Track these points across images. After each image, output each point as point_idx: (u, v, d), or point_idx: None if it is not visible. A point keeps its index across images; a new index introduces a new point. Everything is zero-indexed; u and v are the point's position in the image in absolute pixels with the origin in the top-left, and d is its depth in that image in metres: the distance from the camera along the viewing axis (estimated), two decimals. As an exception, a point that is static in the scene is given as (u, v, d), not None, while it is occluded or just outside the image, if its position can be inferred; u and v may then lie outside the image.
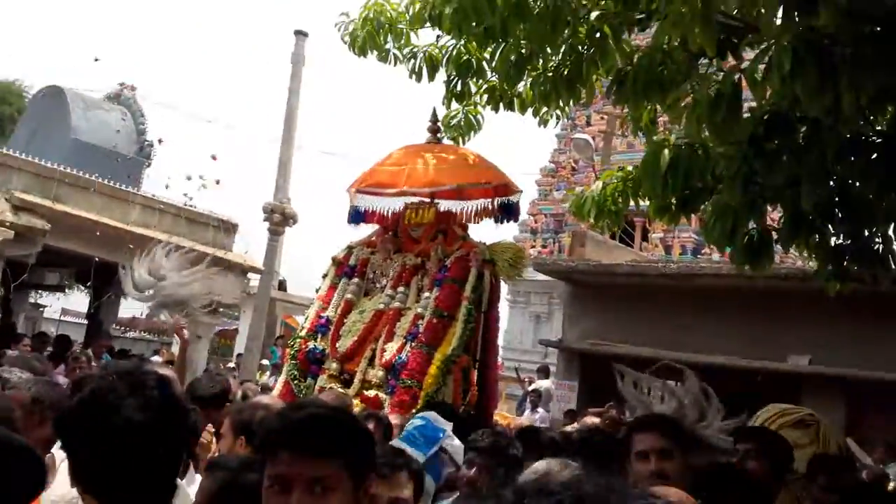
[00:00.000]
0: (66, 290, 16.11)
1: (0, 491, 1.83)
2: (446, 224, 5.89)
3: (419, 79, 5.06)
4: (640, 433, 2.78)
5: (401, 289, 5.72)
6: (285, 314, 16.76)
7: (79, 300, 17.68)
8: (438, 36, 4.98)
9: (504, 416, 10.70)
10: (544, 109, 5.18)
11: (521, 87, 5.00)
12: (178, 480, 1.85)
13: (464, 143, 5.48)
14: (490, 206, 5.90)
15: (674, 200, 4.21)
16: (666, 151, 3.82)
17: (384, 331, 5.48)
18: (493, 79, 5.04)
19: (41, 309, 20.08)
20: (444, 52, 4.98)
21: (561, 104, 4.47)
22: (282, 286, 17.83)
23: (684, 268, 10.18)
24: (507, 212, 5.97)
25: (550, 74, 4.25)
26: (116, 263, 11.17)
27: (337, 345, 5.55)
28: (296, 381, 5.48)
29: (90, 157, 11.66)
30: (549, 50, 4.30)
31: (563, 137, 23.16)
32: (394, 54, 5.16)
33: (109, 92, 13.67)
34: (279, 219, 13.04)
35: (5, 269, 9.99)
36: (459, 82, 5.10)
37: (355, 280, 5.98)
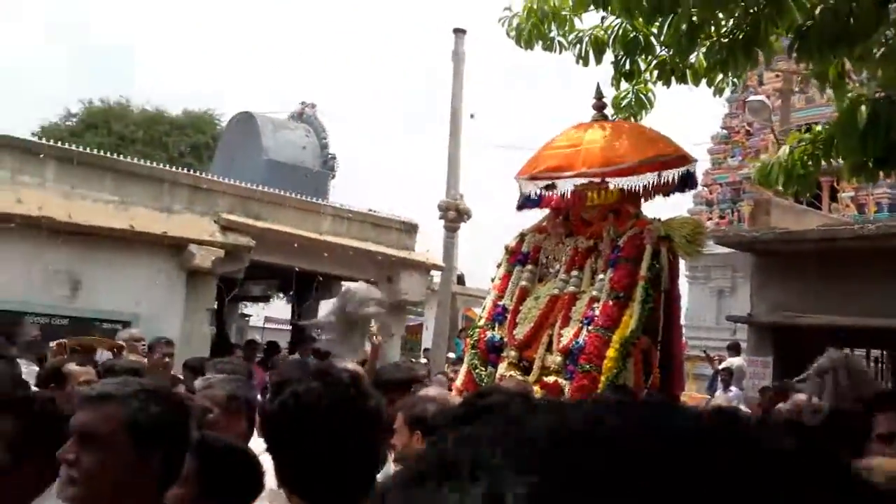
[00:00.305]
0: (270, 300, 17.50)
1: (227, 494, 2.07)
2: (618, 203, 5.67)
3: (586, 63, 5.10)
4: (885, 413, 2.64)
5: (574, 272, 5.58)
6: (466, 307, 17.23)
7: (279, 308, 19.05)
8: (603, 17, 5.00)
9: (693, 396, 10.44)
10: (719, 77, 5.06)
11: (692, 58, 4.92)
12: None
13: (636, 122, 5.45)
14: (671, 180, 5.64)
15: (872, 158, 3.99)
16: (863, 108, 3.63)
17: (560, 316, 5.38)
18: (663, 53, 4.99)
19: (247, 318, 21.82)
20: (609, 32, 4.99)
21: (738, 70, 4.36)
22: (460, 280, 18.37)
23: (884, 227, 9.42)
24: (686, 183, 5.74)
25: (725, 40, 4.17)
26: (314, 272, 12.12)
27: (514, 332, 5.51)
28: (477, 370, 5.50)
29: (282, 175, 12.62)
30: (721, 16, 4.21)
31: (735, 101, 21.91)
32: (558, 42, 5.24)
33: (293, 112, 14.73)
34: (454, 216, 13.46)
35: (219, 284, 11.04)
36: (628, 61, 5.09)
37: (529, 267, 5.88)
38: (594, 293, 5.28)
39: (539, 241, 5.94)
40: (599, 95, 5.79)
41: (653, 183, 5.58)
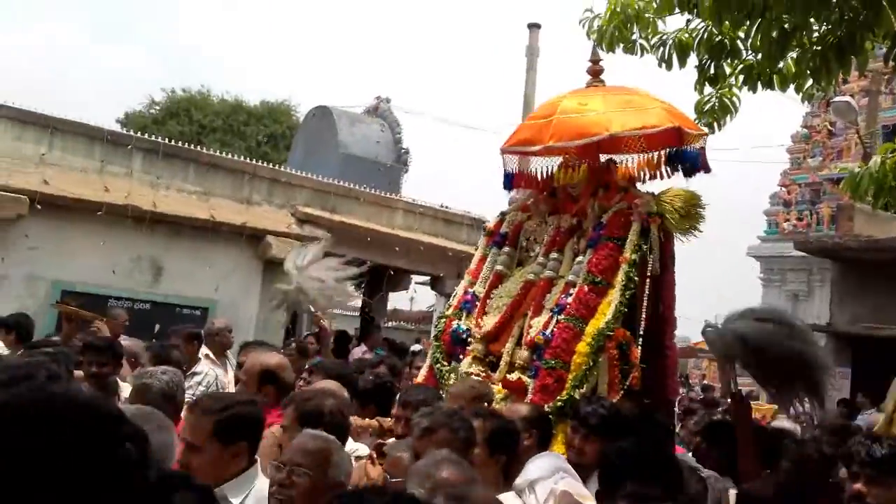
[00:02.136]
0: (343, 290, 17.78)
1: None
2: (608, 177, 4.97)
3: (669, 66, 5.03)
4: None
5: (553, 255, 4.87)
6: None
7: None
8: (688, 20, 4.92)
9: (760, 406, 10.08)
10: (808, 83, 4.92)
11: (780, 63, 4.80)
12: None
13: (719, 128, 5.31)
14: (655, 157, 4.96)
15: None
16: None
17: (533, 304, 4.67)
18: (750, 58, 4.88)
19: (316, 306, 22.24)
20: (694, 35, 4.90)
21: (830, 76, 4.23)
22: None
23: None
24: (685, 162, 4.93)
25: (818, 47, 4.05)
26: (386, 265, 12.28)
27: (481, 323, 4.81)
28: (438, 365, 4.82)
29: (356, 169, 12.81)
30: (813, 21, 4.10)
31: (818, 100, 21.15)
32: (640, 45, 5.17)
33: (368, 106, 14.93)
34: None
35: (295, 275, 11.30)
36: (713, 65, 5.00)
37: (506, 249, 5.16)
38: (570, 277, 4.62)
39: (520, 220, 5.23)
40: (595, 58, 5.20)
41: (635, 161, 5.02)
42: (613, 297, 4.37)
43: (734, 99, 5.24)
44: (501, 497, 2.79)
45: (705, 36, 4.92)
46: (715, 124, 5.33)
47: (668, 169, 5.01)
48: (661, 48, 5.16)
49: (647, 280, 4.45)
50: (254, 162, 12.11)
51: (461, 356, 4.73)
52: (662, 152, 4.94)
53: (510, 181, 5.28)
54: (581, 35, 5.29)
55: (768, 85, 4.92)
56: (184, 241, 10.19)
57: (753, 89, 4.99)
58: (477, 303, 4.94)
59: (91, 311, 6.56)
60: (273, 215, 11.01)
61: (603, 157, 5.09)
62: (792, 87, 4.94)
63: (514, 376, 4.40)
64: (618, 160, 5.10)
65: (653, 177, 5.11)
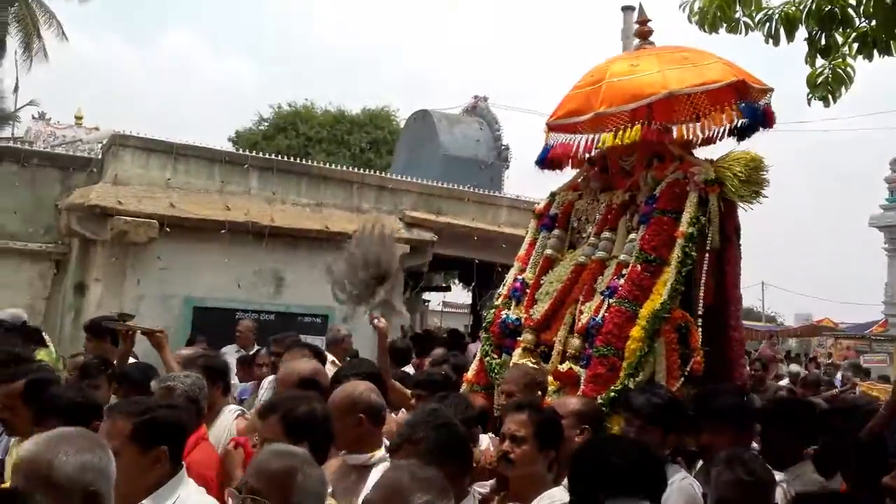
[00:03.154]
0: (451, 289, 18.08)
1: None
2: (662, 146, 4.49)
3: (777, 42, 4.85)
4: None
5: (606, 234, 4.48)
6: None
7: (456, 293, 19.62)
8: (795, -8, 4.74)
9: (872, 386, 9.44)
10: (928, 48, 4.66)
11: (896, 28, 4.56)
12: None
13: (835, 100, 5.08)
14: (722, 114, 4.46)
15: None
16: None
17: (585, 289, 4.31)
18: (863, 25, 4.67)
19: (426, 303, 22.69)
20: (802, 7, 4.73)
21: (954, 39, 3.99)
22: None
23: None
24: (752, 119, 4.46)
25: (939, 9, 3.84)
26: (494, 263, 12.37)
27: (531, 311, 4.47)
28: (488, 358, 4.53)
29: (458, 169, 12.99)
30: (933, -17, 3.89)
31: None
32: (744, 23, 5.03)
33: (466, 106, 15.08)
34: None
35: (405, 277, 11.57)
36: (823, 36, 4.80)
37: (556, 232, 4.80)
38: (623, 257, 4.24)
39: (571, 200, 4.86)
40: (643, 18, 4.83)
41: (694, 121, 4.50)
42: (669, 275, 3.99)
43: (848, 69, 5.01)
44: (553, 491, 2.73)
45: (814, 6, 4.73)
46: (830, 97, 5.12)
47: (724, 128, 4.56)
48: (767, 24, 4.99)
49: (706, 255, 4.04)
50: (361, 171, 12.47)
51: (512, 348, 4.44)
52: (733, 106, 4.42)
53: (545, 158, 4.86)
54: (677, 15, 5.19)
55: (885, 51, 4.69)
56: (301, 252, 10.62)
57: (870, 57, 4.76)
58: (527, 290, 4.62)
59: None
60: (382, 221, 11.30)
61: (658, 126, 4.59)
62: (911, 52, 4.69)
63: (565, 366, 4.08)
64: (674, 127, 4.60)
65: (707, 141, 4.62)
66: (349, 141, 25.78)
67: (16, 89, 25.63)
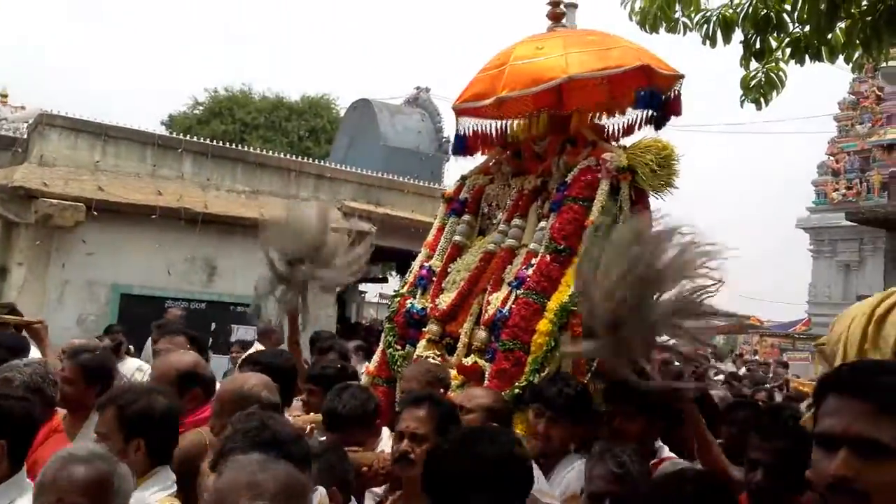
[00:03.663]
0: (388, 281, 18.02)
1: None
2: (575, 130, 4.33)
3: (713, 43, 4.95)
4: None
5: (516, 221, 4.26)
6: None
7: (393, 284, 19.58)
8: (732, -5, 4.83)
9: (802, 383, 9.78)
10: (857, 54, 4.81)
11: (829, 34, 4.70)
12: None
13: (766, 103, 5.20)
14: (623, 101, 4.30)
15: None
16: None
17: (493, 278, 4.10)
18: (797, 30, 4.79)
19: (363, 294, 22.56)
20: (739, 10, 4.83)
21: (882, 46, 4.13)
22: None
23: None
24: (650, 107, 4.30)
25: (868, 17, 3.96)
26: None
27: (437, 301, 4.21)
28: (391, 349, 4.26)
29: (398, 160, 12.94)
30: (864, -9, 4.01)
31: (863, 66, 20.50)
32: (683, 23, 5.11)
33: (408, 96, 15.01)
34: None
35: (342, 268, 11.47)
36: (758, 39, 4.91)
37: (466, 217, 4.55)
38: (532, 246, 4.05)
39: (482, 184, 4.64)
40: (554, 0, 4.66)
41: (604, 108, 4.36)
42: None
43: (781, 73, 5.15)
44: None
45: (750, 10, 4.84)
46: (762, 100, 5.25)
47: (640, 115, 4.36)
48: (705, 25, 5.08)
49: None
50: (299, 159, 12.28)
51: (416, 339, 4.18)
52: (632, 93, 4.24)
53: (463, 145, 4.68)
54: (619, 15, 5.23)
55: (816, 57, 4.82)
56: (235, 240, 10.40)
57: (801, 62, 4.89)
58: (434, 279, 4.36)
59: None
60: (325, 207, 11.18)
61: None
62: (841, 57, 4.84)
63: (469, 360, 3.87)
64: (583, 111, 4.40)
65: (627, 132, 4.44)
66: (287, 128, 25.37)
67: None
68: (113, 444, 2.47)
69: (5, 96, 18.87)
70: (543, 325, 3.66)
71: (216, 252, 10.40)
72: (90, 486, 1.94)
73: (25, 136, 11.05)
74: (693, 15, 5.04)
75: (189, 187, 10.44)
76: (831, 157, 24.27)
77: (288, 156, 12.22)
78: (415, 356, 4.07)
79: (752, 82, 5.26)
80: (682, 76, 4.23)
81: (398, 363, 4.15)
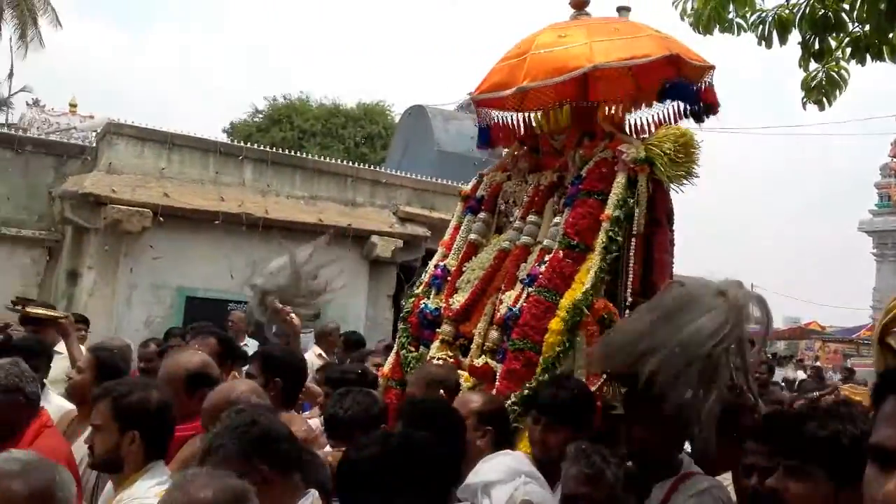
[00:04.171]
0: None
1: None
2: (594, 123, 4.11)
3: (769, 44, 4.91)
4: None
5: (531, 218, 4.08)
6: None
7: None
8: (788, -5, 4.80)
9: (855, 389, 9.43)
10: (922, 52, 4.73)
11: (889, 33, 4.63)
12: None
13: (829, 104, 5.12)
14: (649, 91, 4.10)
15: None
16: None
17: (507, 276, 3.93)
18: (857, 30, 4.73)
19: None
20: (795, 10, 4.78)
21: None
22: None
23: None
24: (686, 98, 4.08)
25: (931, 14, 3.90)
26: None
27: (450, 301, 4.05)
28: (404, 351, 4.12)
29: (452, 165, 13.01)
30: (925, -12, 3.95)
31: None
32: (738, 24, 5.07)
33: (461, 102, 15.11)
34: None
35: (398, 272, 11.63)
36: (817, 40, 4.86)
37: (482, 215, 4.38)
38: (546, 242, 3.87)
39: (499, 181, 4.45)
40: None
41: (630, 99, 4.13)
42: (593, 262, 3.61)
43: (843, 72, 5.07)
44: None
45: (807, 10, 4.78)
46: (824, 100, 5.18)
47: (670, 110, 4.16)
48: (761, 26, 5.04)
49: (633, 241, 3.66)
50: (355, 165, 12.50)
51: (431, 340, 4.03)
52: (663, 84, 4.01)
53: (487, 137, 4.52)
54: (673, 16, 5.21)
55: (878, 56, 4.75)
56: (294, 244, 10.61)
57: (862, 62, 4.82)
58: (448, 278, 4.21)
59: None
60: (376, 216, 11.36)
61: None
62: (905, 56, 4.76)
63: (480, 361, 3.71)
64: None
65: (659, 127, 4.15)
66: (343, 135, 25.76)
67: (10, 75, 25.55)
68: (108, 436, 2.50)
69: (74, 106, 19.62)
70: (556, 323, 3.49)
71: (276, 256, 10.64)
72: (32, 501, 1.78)
73: (94, 145, 11.50)
74: (748, 15, 5.00)
75: (250, 193, 10.72)
76: (894, 159, 23.55)
77: (344, 162, 12.45)
78: (428, 357, 3.92)
79: (813, 83, 5.19)
80: (712, 67, 4.04)
81: (411, 365, 4.01)
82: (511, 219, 4.28)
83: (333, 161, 12.20)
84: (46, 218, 11.19)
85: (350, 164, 12.39)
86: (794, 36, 4.90)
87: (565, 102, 3.97)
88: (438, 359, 3.80)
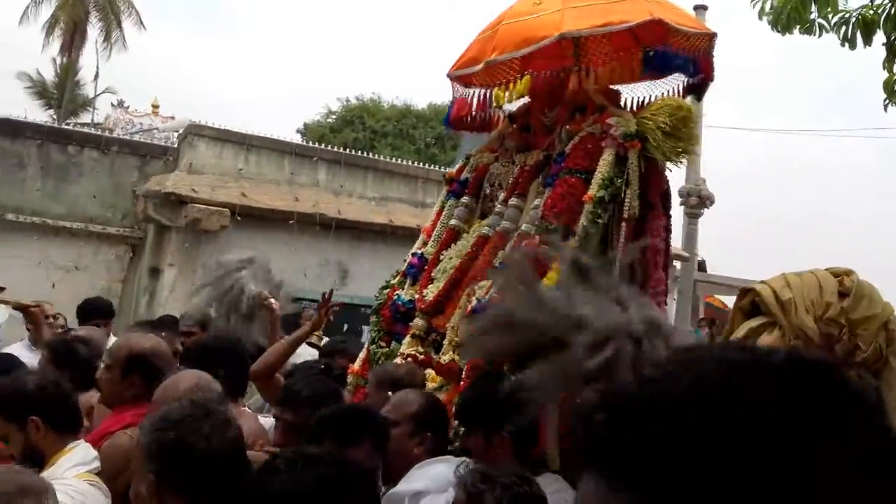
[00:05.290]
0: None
1: None
2: (586, 96, 3.69)
3: (853, 45, 4.80)
4: None
5: (513, 201, 3.69)
6: (705, 295, 16.62)
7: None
8: (873, -5, 4.68)
9: None
10: None
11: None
12: None
13: None
14: (629, 61, 3.65)
15: None
16: None
17: (484, 265, 3.54)
18: (945, 30, 4.58)
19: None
20: (881, 11, 4.66)
21: None
22: (701, 267, 17.72)
23: None
24: (663, 70, 3.67)
25: None
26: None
27: (424, 292, 3.72)
28: (374, 346, 3.83)
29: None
30: None
31: None
32: (819, 24, 4.96)
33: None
34: (696, 202, 13.04)
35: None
36: (903, 41, 4.73)
37: (465, 199, 4.02)
38: (525, 227, 3.47)
39: (486, 162, 4.08)
40: None
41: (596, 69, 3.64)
42: (571, 248, 3.18)
43: (928, 74, 4.91)
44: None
45: (892, 11, 4.66)
46: (907, 103, 5.03)
47: (675, 85, 3.75)
48: (844, 27, 4.93)
49: (623, 226, 3.29)
50: (426, 166, 12.63)
51: (403, 335, 3.71)
52: (639, 55, 3.60)
53: (451, 117, 4.19)
54: (751, 15, 5.13)
55: (965, 57, 4.59)
56: (366, 244, 10.85)
57: (949, 63, 4.67)
58: (425, 267, 3.88)
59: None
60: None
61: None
62: None
63: (447, 358, 3.34)
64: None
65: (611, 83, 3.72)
66: (414, 135, 26.00)
67: (96, 77, 26.67)
68: (10, 434, 2.41)
69: (157, 107, 20.38)
70: None
71: (348, 256, 10.87)
72: None
73: (176, 145, 11.94)
74: (830, 16, 4.90)
75: (323, 194, 10.97)
76: None
77: (415, 163, 12.59)
78: (399, 353, 3.61)
79: (897, 85, 5.05)
80: (712, 34, 3.68)
81: (380, 361, 3.71)
82: (496, 203, 3.88)
83: (404, 162, 12.35)
84: (130, 216, 11.67)
85: (420, 165, 12.51)
86: (879, 37, 4.78)
87: (527, 73, 3.58)
88: (407, 356, 3.51)
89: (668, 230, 3.58)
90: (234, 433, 1.89)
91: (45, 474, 2.21)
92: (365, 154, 12.73)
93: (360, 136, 25.14)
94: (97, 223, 11.54)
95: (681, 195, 13.04)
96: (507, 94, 3.60)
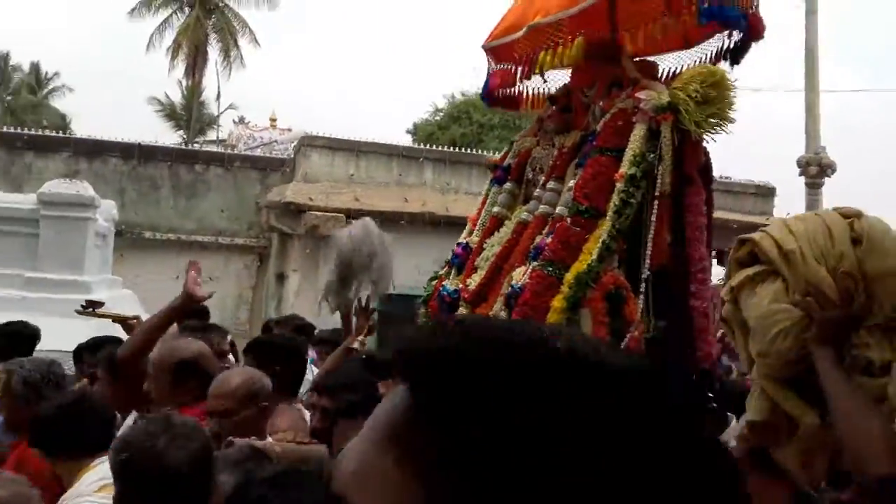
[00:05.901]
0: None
1: None
2: (621, 69, 3.50)
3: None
4: None
5: (551, 184, 3.56)
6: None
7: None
8: None
9: None
10: None
11: None
12: None
13: None
14: (682, 15, 3.44)
15: None
16: None
17: (523, 251, 3.47)
18: None
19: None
20: None
21: None
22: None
23: None
24: (722, 25, 3.46)
25: None
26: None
27: (468, 281, 3.64)
28: None
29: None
30: None
31: None
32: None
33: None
34: (815, 171, 12.46)
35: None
36: None
37: (507, 185, 3.92)
38: (559, 210, 3.36)
39: (529, 147, 3.94)
40: None
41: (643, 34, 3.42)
42: (603, 230, 3.11)
43: None
44: None
45: None
46: None
47: (709, 53, 3.52)
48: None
49: (656, 203, 3.11)
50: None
51: None
52: (692, 9, 3.37)
53: (488, 91, 4.05)
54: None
55: None
56: (474, 240, 11.08)
57: None
58: (469, 256, 3.83)
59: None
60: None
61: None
62: None
63: None
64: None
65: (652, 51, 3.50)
66: (521, 126, 26.01)
67: (218, 97, 28.23)
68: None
69: (274, 120, 21.35)
70: (558, 301, 3.06)
71: (457, 253, 11.15)
72: None
73: (292, 157, 12.60)
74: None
75: (430, 192, 11.31)
76: None
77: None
78: None
79: None
80: None
81: None
82: (538, 188, 3.79)
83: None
84: (255, 226, 12.42)
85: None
86: None
87: (579, 35, 3.38)
88: None
89: (710, 205, 3.46)
90: (196, 445, 1.81)
91: (72, 490, 2.28)
92: (472, 150, 12.97)
93: (467, 131, 25.43)
94: (226, 235, 12.35)
95: (799, 165, 12.53)
96: (554, 58, 3.46)
